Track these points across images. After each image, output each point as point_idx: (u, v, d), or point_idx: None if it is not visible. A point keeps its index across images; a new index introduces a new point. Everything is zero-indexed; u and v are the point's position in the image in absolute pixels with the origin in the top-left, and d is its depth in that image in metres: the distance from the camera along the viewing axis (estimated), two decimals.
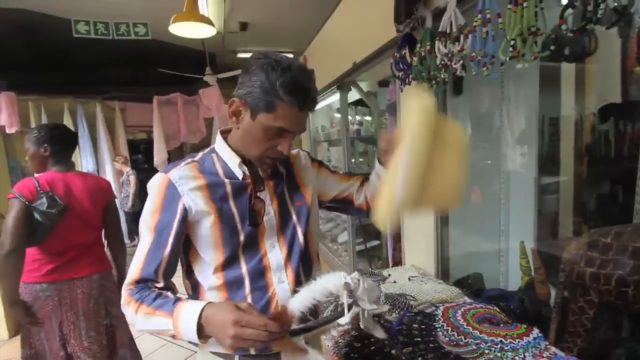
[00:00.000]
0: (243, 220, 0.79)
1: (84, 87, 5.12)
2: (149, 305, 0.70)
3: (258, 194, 0.81)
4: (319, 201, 0.98)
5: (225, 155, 0.82)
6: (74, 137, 1.74)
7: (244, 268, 0.81)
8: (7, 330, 2.84)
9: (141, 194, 5.08)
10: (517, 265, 1.67)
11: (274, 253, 0.83)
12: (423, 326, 1.21)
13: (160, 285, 0.76)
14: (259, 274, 0.81)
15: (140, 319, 0.71)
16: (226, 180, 0.80)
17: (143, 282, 0.75)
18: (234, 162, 0.81)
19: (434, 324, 1.23)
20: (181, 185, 0.78)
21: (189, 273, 0.86)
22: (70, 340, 1.57)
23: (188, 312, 0.65)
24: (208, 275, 0.82)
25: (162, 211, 0.77)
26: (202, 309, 0.64)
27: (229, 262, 0.80)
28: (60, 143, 1.64)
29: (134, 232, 5.30)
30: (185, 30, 2.94)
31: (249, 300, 0.80)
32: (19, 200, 1.46)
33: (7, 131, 4.12)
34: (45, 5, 4.11)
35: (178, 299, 0.70)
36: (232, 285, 0.81)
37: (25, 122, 4.33)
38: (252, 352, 0.83)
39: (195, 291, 0.86)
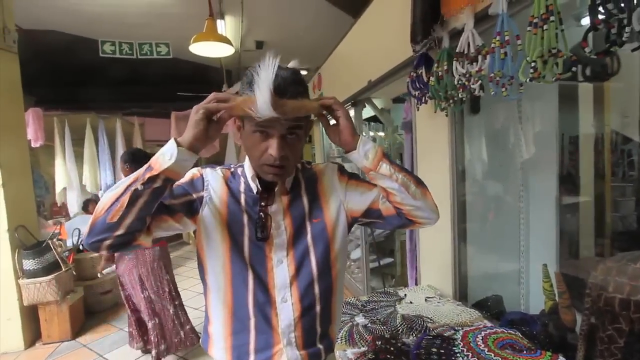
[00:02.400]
0: (251, 233, 0.78)
1: (106, 103, 5.31)
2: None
3: (268, 208, 0.80)
4: (354, 218, 0.86)
5: (247, 169, 0.83)
6: (141, 157, 2.46)
7: (250, 280, 0.78)
8: (24, 341, 2.88)
9: None
10: (538, 287, 1.62)
11: (281, 269, 0.79)
12: (442, 350, 1.18)
13: None
14: (263, 289, 0.78)
15: (108, 191, 0.69)
16: (243, 193, 0.81)
17: None
18: (250, 176, 0.82)
19: (454, 348, 1.19)
20: (209, 180, 0.81)
21: (200, 271, 0.85)
22: (146, 285, 2.38)
23: (164, 147, 0.69)
24: (212, 278, 0.81)
25: (181, 186, 0.79)
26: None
27: (234, 271, 0.79)
28: (130, 161, 2.37)
29: None
30: (205, 49, 3.05)
31: (251, 314, 0.78)
32: None
33: (32, 145, 4.26)
34: (74, 27, 4.33)
35: None
36: (237, 292, 0.79)
37: (49, 137, 4.49)
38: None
39: (205, 289, 0.85)
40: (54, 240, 3.03)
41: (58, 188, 4.70)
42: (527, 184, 1.72)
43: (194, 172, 0.83)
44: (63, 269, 2.93)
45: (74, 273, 3.21)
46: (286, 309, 0.79)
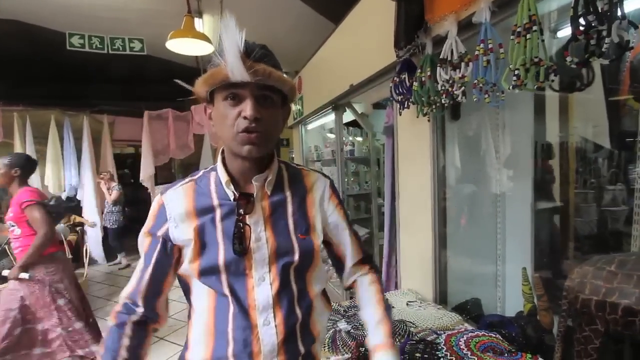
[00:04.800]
0: (228, 247, 0.71)
1: (73, 100, 5.04)
2: (106, 342, 0.73)
3: (246, 217, 0.72)
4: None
5: (221, 173, 0.75)
6: (35, 165, 2.42)
7: (230, 303, 0.72)
8: None
9: (129, 210, 4.93)
10: (514, 290, 1.66)
11: (262, 289, 0.72)
12: (426, 355, 1.17)
13: (140, 311, 0.75)
14: (243, 312, 0.71)
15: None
16: (217, 203, 0.74)
17: (129, 303, 0.75)
18: (225, 181, 0.74)
19: (437, 352, 1.19)
20: (170, 207, 0.74)
21: (184, 291, 0.81)
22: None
23: None
24: (196, 301, 0.77)
25: (152, 235, 0.75)
26: None
27: (213, 294, 0.74)
28: (27, 168, 2.29)
29: (115, 250, 5.10)
30: (182, 47, 2.95)
31: (230, 338, 0.71)
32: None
33: None
34: (39, 18, 4.08)
35: None
36: (218, 317, 0.73)
37: (8, 133, 4.20)
38: None
39: (190, 310, 0.80)
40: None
41: None
42: (503, 189, 1.77)
43: (154, 207, 0.77)
44: None
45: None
46: (268, 332, 0.72)
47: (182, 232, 0.72)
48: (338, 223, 0.84)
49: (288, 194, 0.78)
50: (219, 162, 0.77)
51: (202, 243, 0.72)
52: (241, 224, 0.71)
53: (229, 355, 0.71)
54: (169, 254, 0.74)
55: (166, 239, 0.74)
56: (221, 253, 0.71)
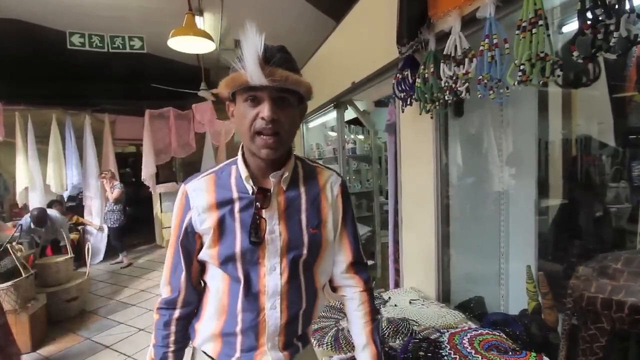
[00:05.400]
0: (244, 237, 0.77)
1: (74, 99, 5.04)
2: (155, 338, 0.84)
3: (263, 211, 0.77)
4: None
5: (241, 168, 0.80)
6: None
7: (242, 287, 0.78)
8: None
9: (130, 209, 4.92)
10: (517, 288, 1.65)
11: (273, 277, 0.79)
12: (429, 354, 1.17)
13: (177, 315, 0.84)
14: (253, 295, 0.79)
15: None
16: (236, 196, 0.79)
17: (169, 303, 0.84)
18: (244, 176, 0.79)
19: (441, 351, 1.18)
20: (193, 197, 0.80)
21: (200, 272, 0.88)
22: None
23: None
24: (210, 281, 0.84)
25: (180, 224, 0.81)
26: None
27: (227, 277, 0.80)
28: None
29: (117, 249, 5.10)
30: (183, 44, 2.94)
31: (239, 319, 0.80)
32: None
33: None
34: (40, 17, 4.07)
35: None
36: (231, 298, 0.81)
37: (10, 133, 4.21)
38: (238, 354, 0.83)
39: (205, 285, 0.87)
40: (13, 244, 2.82)
41: (19, 188, 4.40)
42: (507, 187, 1.76)
43: (179, 199, 0.82)
44: (23, 275, 2.72)
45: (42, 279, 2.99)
46: (274, 316, 0.80)
47: (204, 221, 0.78)
48: (340, 238, 0.90)
49: (302, 190, 0.83)
50: (239, 157, 0.82)
51: (221, 232, 0.78)
52: (258, 217, 0.76)
53: (237, 331, 0.80)
54: (192, 240, 0.81)
55: (189, 227, 0.80)
56: (238, 242, 0.77)
